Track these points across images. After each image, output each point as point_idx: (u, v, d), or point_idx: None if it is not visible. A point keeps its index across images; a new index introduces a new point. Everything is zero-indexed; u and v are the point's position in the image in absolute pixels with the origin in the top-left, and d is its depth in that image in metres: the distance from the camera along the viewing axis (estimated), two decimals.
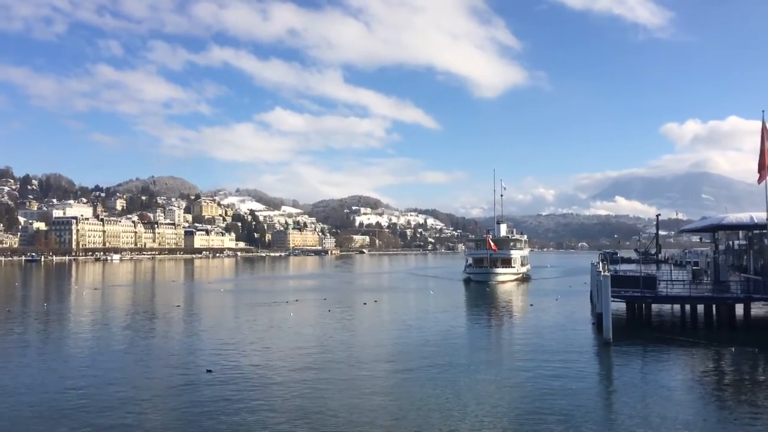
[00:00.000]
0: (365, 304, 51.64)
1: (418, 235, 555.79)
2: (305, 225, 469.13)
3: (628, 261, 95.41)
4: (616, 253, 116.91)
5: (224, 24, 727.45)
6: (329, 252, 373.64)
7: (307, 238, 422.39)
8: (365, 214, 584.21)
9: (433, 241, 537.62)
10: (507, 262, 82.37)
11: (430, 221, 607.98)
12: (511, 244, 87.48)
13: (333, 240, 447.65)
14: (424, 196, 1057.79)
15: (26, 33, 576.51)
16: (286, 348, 29.63)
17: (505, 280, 79.25)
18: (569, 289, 66.55)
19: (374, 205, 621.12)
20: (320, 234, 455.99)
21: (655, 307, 38.96)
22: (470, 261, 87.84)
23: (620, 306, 36.60)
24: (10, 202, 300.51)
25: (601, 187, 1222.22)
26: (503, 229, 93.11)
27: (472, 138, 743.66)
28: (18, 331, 36.42)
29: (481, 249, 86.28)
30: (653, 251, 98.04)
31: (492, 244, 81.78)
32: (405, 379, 22.82)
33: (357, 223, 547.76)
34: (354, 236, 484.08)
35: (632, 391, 20.93)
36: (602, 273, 32.96)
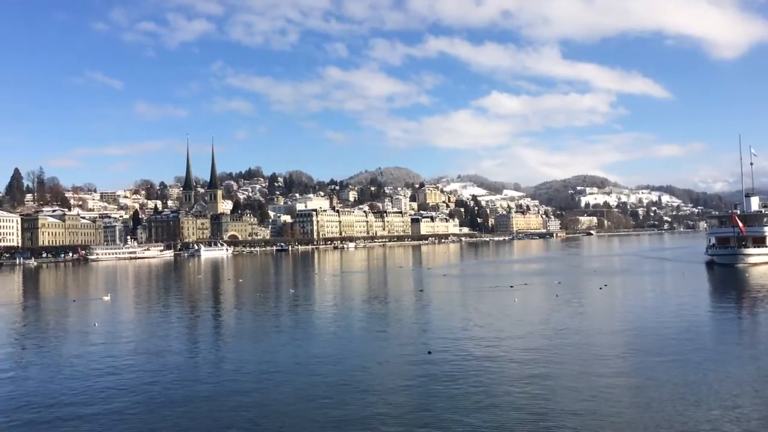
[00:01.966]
0: (601, 288, 48.87)
1: (652, 214, 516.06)
2: (528, 208, 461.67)
3: None
4: None
5: (439, 14, 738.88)
6: (554, 235, 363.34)
7: (531, 221, 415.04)
8: (591, 194, 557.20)
9: (669, 219, 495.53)
10: (760, 241, 72.14)
11: (665, 198, 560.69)
12: (765, 220, 76.29)
13: (557, 222, 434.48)
14: (657, 172, 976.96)
15: (265, 45, 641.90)
16: (509, 333, 29.42)
17: (758, 262, 69.06)
18: None
19: (601, 184, 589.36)
20: (544, 216, 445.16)
21: None
22: (713, 241, 79.05)
23: None
24: (261, 198, 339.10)
25: None
26: (754, 203, 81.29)
27: (710, 105, 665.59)
28: (272, 314, 41.10)
29: (726, 227, 76.70)
30: None
31: (738, 221, 71.85)
32: (645, 372, 21.27)
33: (583, 204, 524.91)
34: (580, 217, 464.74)
35: None
36: None
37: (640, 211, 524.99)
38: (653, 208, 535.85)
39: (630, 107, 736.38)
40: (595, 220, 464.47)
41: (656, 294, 46.62)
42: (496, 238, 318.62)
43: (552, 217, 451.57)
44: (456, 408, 17.47)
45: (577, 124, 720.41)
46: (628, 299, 43.56)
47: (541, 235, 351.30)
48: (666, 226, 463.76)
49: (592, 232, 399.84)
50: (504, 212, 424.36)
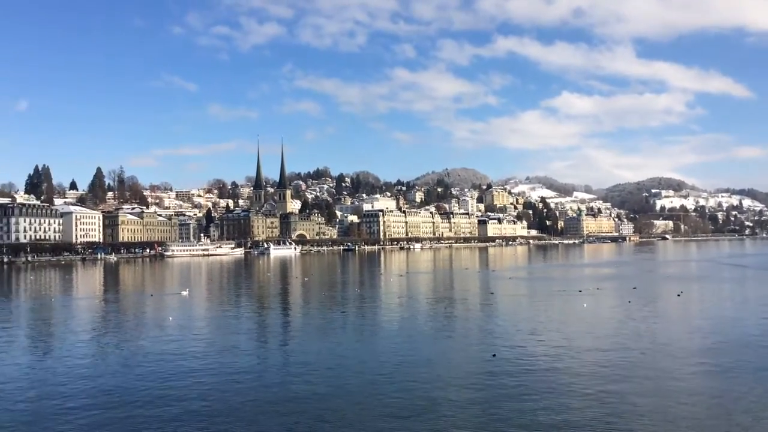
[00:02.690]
0: (679, 295, 46.85)
1: (732, 219, 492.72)
2: (599, 211, 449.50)
3: None
4: None
5: (508, 14, 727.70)
6: (627, 238, 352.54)
7: (602, 224, 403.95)
8: (667, 197, 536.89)
9: (751, 224, 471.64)
10: None
11: (747, 202, 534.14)
12: None
13: (630, 226, 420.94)
14: (737, 175, 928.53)
15: (334, 47, 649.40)
16: (576, 340, 28.71)
17: None
18: None
19: (677, 186, 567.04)
20: (616, 220, 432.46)
21: None
22: None
23: None
24: (328, 198, 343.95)
25: None
26: None
27: None
28: (338, 313, 41.62)
29: None
30: None
31: None
32: (722, 390, 20.49)
33: (657, 207, 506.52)
34: (654, 221, 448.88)
35: None
36: None
37: (720, 215, 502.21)
38: (734, 213, 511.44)
39: (708, 107, 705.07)
40: (670, 224, 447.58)
41: (736, 303, 44.49)
42: (565, 241, 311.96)
43: (625, 220, 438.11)
44: (518, 414, 17.31)
45: (651, 124, 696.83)
46: (706, 307, 41.77)
47: (613, 239, 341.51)
48: (747, 231, 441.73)
49: (667, 236, 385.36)
50: (574, 215, 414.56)
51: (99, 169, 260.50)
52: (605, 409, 17.38)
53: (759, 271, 76.30)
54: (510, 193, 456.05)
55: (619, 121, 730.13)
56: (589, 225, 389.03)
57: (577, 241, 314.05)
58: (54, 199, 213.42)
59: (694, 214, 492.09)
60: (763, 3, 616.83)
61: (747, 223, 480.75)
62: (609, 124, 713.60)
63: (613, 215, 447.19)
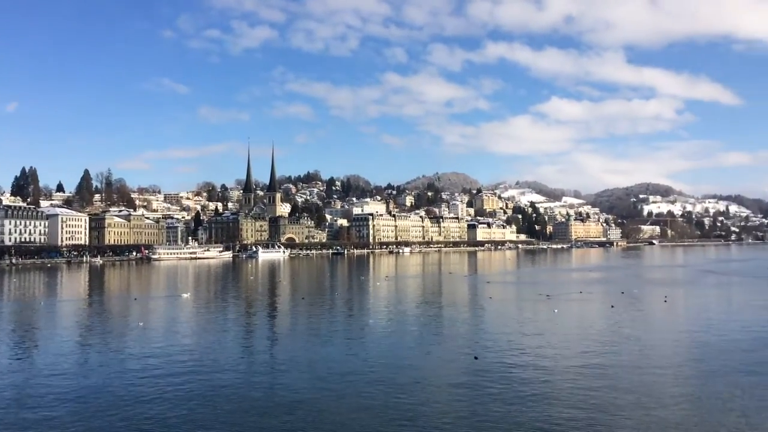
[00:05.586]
0: (666, 300, 47.24)
1: (719, 224, 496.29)
2: (588, 216, 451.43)
3: None
4: None
5: (499, 20, 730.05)
6: (615, 243, 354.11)
7: (590, 229, 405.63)
8: (654, 202, 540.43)
9: (737, 230, 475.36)
10: None
11: (733, 208, 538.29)
12: None
13: (618, 231, 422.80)
14: (725, 181, 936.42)
15: (325, 51, 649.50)
16: (559, 343, 28.90)
17: None
18: None
19: (665, 192, 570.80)
20: (604, 225, 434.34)
21: None
22: None
23: None
24: (318, 202, 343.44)
25: None
26: None
27: None
28: (325, 317, 41.44)
29: None
30: None
31: None
32: (696, 387, 20.65)
33: (645, 213, 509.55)
34: (642, 226, 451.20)
35: None
36: None
37: (706, 221, 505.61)
38: (720, 218, 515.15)
39: (697, 113, 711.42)
40: (658, 229, 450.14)
41: (721, 308, 44.71)
42: (554, 246, 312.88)
43: (613, 225, 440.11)
44: (500, 416, 17.26)
45: (641, 130, 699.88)
46: (691, 312, 41.98)
47: (601, 244, 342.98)
48: (734, 237, 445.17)
49: (654, 241, 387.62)
50: (563, 220, 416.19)
51: (86, 171, 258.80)
52: (588, 412, 17.45)
53: (743, 278, 76.74)
54: (500, 197, 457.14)
55: (609, 126, 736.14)
56: (577, 230, 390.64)
57: (565, 246, 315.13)
58: (40, 201, 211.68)
59: (681, 219, 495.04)
60: (750, 10, 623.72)
61: (733, 228, 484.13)
62: (598, 129, 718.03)
63: (601, 220, 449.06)
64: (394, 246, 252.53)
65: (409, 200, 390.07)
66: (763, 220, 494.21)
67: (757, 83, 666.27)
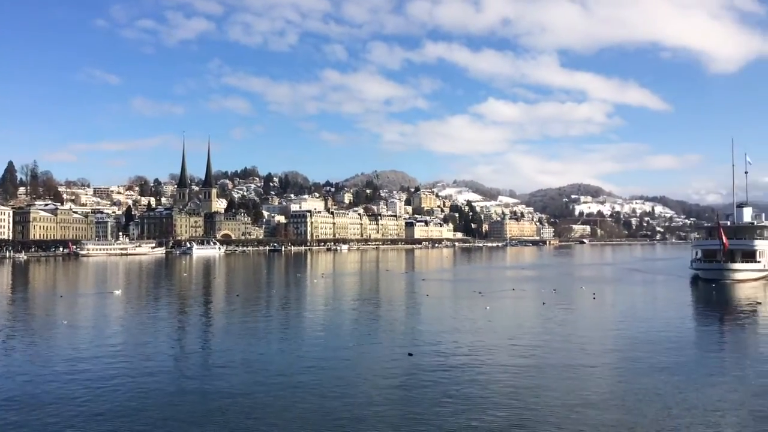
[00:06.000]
0: (594, 297, 48.87)
1: (645, 224, 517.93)
2: (522, 215, 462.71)
3: None
4: None
5: (438, 20, 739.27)
6: (547, 242, 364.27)
7: (524, 228, 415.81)
8: (585, 202, 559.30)
9: (661, 230, 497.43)
10: (749, 256, 65.99)
11: (659, 209, 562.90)
12: (757, 232, 70.33)
13: (551, 230, 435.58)
14: (651, 183, 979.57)
15: (264, 46, 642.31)
16: (491, 339, 29.47)
17: (746, 278, 62.42)
18: None
19: (595, 193, 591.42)
20: (538, 224, 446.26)
21: None
22: (698, 254, 71.82)
23: None
24: (256, 198, 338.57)
25: None
26: (747, 214, 74.62)
27: (707, 117, 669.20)
28: (260, 314, 40.93)
29: (713, 239, 69.63)
30: None
31: (723, 233, 64.86)
32: (623, 382, 21.49)
33: (576, 212, 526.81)
34: (573, 226, 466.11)
35: None
36: None
37: (633, 221, 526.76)
38: (646, 219, 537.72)
39: (626, 118, 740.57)
40: (588, 228, 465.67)
41: (646, 304, 46.67)
42: (489, 244, 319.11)
43: (546, 224, 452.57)
44: (432, 412, 17.48)
45: (573, 133, 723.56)
46: (617, 310, 43.60)
47: (535, 243, 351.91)
48: (658, 236, 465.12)
49: (585, 240, 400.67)
50: (498, 218, 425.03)
51: (10, 163, 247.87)
52: (517, 406, 17.88)
53: (663, 276, 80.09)
54: (437, 196, 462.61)
55: (543, 128, 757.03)
56: (512, 229, 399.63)
57: (500, 244, 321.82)
58: None
59: (610, 219, 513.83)
60: (677, 19, 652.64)
61: (658, 228, 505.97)
62: (533, 131, 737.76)
63: (535, 219, 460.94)
64: (332, 243, 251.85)
65: (347, 198, 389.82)
66: (686, 220, 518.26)
67: (683, 89, 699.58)
